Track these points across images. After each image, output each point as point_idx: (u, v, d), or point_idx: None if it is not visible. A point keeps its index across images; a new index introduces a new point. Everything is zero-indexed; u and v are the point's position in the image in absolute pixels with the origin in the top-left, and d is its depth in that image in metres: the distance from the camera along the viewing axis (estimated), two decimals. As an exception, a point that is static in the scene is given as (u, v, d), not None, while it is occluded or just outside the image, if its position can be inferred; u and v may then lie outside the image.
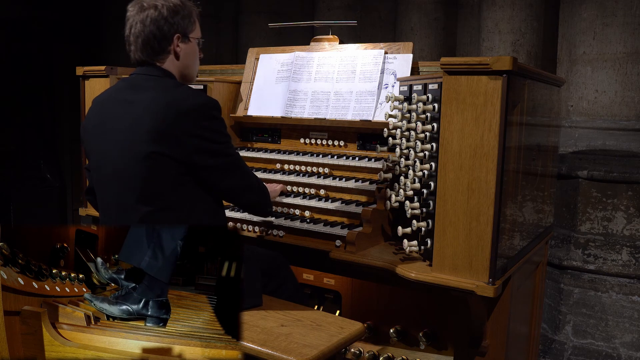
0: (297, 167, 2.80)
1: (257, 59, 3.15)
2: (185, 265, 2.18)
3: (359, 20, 4.24)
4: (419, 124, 2.14)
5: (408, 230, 2.22)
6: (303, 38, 3.89)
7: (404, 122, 2.24)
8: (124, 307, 1.72)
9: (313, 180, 2.72)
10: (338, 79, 2.86)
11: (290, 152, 2.90)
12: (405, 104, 2.30)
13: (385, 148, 2.45)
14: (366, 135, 2.75)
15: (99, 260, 1.94)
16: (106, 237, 2.14)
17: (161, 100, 1.94)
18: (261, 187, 2.26)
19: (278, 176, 2.81)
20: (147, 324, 1.71)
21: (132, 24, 2.05)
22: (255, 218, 2.66)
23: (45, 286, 1.61)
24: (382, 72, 2.76)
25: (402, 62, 2.73)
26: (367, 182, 2.60)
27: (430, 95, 2.16)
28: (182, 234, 1.81)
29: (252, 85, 3.11)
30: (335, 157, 2.76)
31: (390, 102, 2.39)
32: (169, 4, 2.05)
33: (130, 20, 2.05)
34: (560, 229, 3.64)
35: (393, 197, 2.34)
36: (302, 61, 2.99)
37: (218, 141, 2.01)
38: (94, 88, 3.11)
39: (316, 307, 2.92)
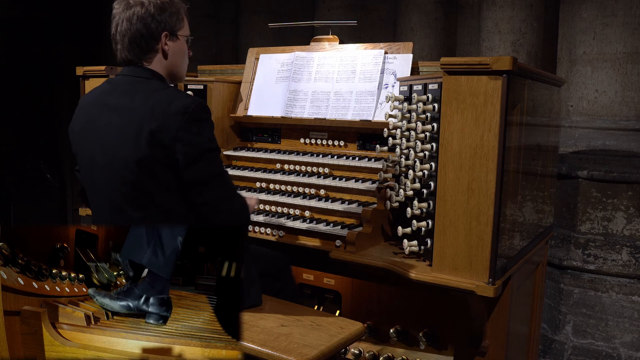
0: (297, 167, 2.80)
1: (257, 59, 3.15)
2: (185, 265, 2.18)
3: (359, 20, 4.23)
4: (419, 124, 2.14)
5: (408, 230, 2.22)
6: (303, 38, 3.90)
7: (404, 122, 2.24)
8: (125, 302, 1.73)
9: (313, 180, 2.72)
10: (338, 79, 2.86)
11: (290, 152, 2.90)
12: (405, 104, 2.30)
13: (385, 148, 2.45)
14: (366, 135, 2.75)
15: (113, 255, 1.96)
16: (106, 237, 2.14)
17: (148, 105, 1.87)
18: (244, 208, 2.05)
19: (278, 176, 2.81)
20: (147, 321, 1.72)
21: (118, 22, 1.97)
22: (255, 218, 2.67)
23: (45, 286, 1.61)
24: (382, 72, 2.76)
25: (402, 62, 2.73)
26: (367, 182, 2.60)
27: (430, 95, 2.16)
28: (183, 231, 1.82)
29: (252, 85, 3.11)
30: (335, 157, 2.76)
31: (390, 102, 2.39)
32: (156, 1, 1.96)
33: (116, 18, 1.98)
34: (560, 229, 3.64)
35: (393, 197, 2.35)
36: (302, 61, 2.99)
37: (202, 144, 1.89)
38: (94, 88, 3.10)
39: (316, 307, 2.92)
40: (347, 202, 2.60)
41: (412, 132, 2.18)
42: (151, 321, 1.72)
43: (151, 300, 1.74)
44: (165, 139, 1.84)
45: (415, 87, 2.27)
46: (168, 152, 1.85)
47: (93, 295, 1.71)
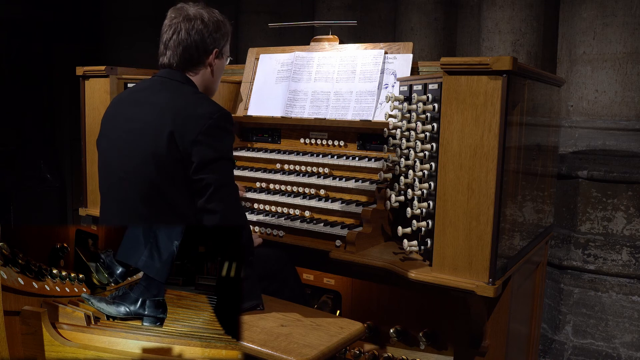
0: (297, 167, 2.80)
1: (257, 59, 3.15)
2: (185, 265, 2.18)
3: (359, 20, 4.24)
4: (419, 124, 2.14)
5: (408, 230, 2.22)
6: (303, 38, 3.89)
7: (404, 122, 2.24)
8: (122, 307, 1.73)
9: (313, 180, 2.71)
10: (338, 79, 2.86)
11: (290, 152, 2.90)
12: (405, 104, 2.30)
13: (385, 148, 2.45)
14: (366, 135, 2.75)
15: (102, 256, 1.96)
16: (106, 237, 2.14)
17: (176, 104, 1.97)
18: (248, 230, 2.09)
19: (278, 176, 2.81)
20: (145, 324, 1.72)
21: (178, 30, 2.06)
22: (255, 218, 2.67)
23: (45, 286, 1.61)
24: (382, 72, 2.76)
25: (402, 62, 2.73)
26: (367, 182, 2.60)
27: (430, 95, 2.16)
28: (180, 234, 1.82)
29: (252, 85, 3.11)
30: (335, 157, 2.76)
31: (390, 102, 2.39)
32: (214, 19, 2.10)
33: (175, 27, 2.07)
34: (560, 229, 3.64)
35: (393, 197, 2.35)
36: (302, 61, 2.99)
37: (220, 150, 1.94)
38: (94, 88, 3.10)
39: (316, 307, 2.92)
40: (347, 202, 2.60)
41: (412, 132, 2.18)
42: (147, 324, 1.72)
43: (147, 303, 1.75)
44: (185, 140, 1.91)
45: (415, 87, 2.27)
46: (185, 153, 1.92)
47: (88, 299, 1.71)
